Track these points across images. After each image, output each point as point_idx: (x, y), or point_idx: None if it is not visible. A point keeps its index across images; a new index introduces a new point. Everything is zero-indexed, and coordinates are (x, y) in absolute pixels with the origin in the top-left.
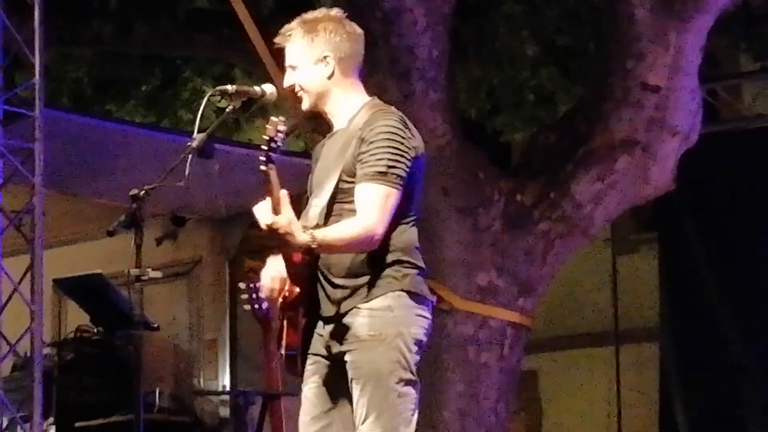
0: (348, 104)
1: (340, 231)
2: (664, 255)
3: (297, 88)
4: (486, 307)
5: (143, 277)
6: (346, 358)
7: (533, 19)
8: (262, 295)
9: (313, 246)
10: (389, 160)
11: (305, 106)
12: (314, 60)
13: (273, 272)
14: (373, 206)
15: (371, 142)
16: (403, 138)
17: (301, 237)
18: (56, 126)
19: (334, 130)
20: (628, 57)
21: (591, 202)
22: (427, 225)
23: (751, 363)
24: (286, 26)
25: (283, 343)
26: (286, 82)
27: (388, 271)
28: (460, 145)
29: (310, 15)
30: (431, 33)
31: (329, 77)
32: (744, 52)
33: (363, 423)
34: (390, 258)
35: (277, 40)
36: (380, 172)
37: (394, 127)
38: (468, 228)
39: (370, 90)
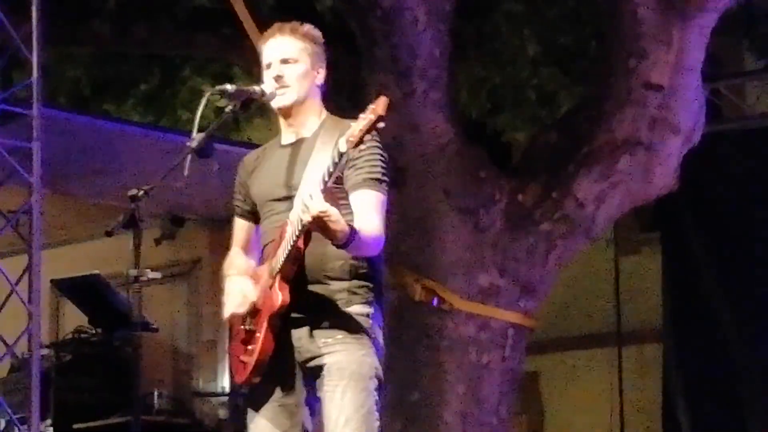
0: (317, 115)
1: (367, 230)
2: (667, 255)
3: (289, 80)
4: (487, 308)
5: (142, 278)
6: (326, 360)
7: (534, 18)
8: (240, 310)
9: (351, 237)
10: (382, 167)
11: (289, 98)
12: (311, 64)
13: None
14: (376, 212)
15: (362, 149)
16: (384, 150)
17: (344, 226)
18: (54, 125)
19: (287, 139)
20: (630, 56)
21: (593, 202)
22: (427, 225)
23: (754, 364)
24: (289, 24)
25: (258, 349)
26: (278, 72)
27: (363, 281)
28: (461, 145)
29: (309, 28)
30: (432, 32)
31: (318, 85)
32: (747, 51)
33: (345, 425)
34: (366, 267)
35: (276, 29)
36: (376, 179)
37: (377, 138)
38: (469, 228)
39: (372, 90)
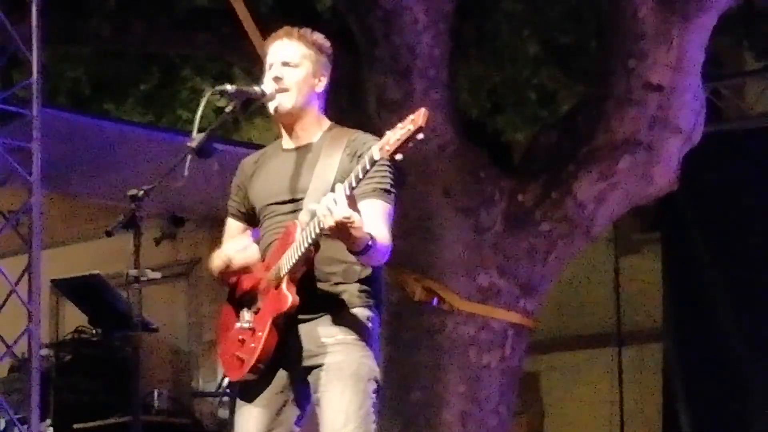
0: (319, 122)
1: (380, 238)
2: (667, 255)
3: (288, 83)
4: (487, 308)
5: (142, 278)
6: (325, 360)
7: (534, 17)
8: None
9: (370, 244)
10: (390, 179)
11: (289, 103)
12: (313, 71)
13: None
14: (385, 222)
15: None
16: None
17: (365, 234)
18: (54, 125)
19: (289, 144)
20: (630, 56)
21: (593, 202)
22: (427, 225)
23: (755, 363)
24: (293, 28)
25: (260, 347)
26: (277, 73)
27: (365, 285)
28: (461, 145)
29: (318, 37)
30: (432, 32)
31: (318, 93)
32: (747, 51)
33: (344, 426)
34: (367, 273)
35: (283, 32)
36: (386, 191)
37: None
38: (469, 228)
39: (372, 90)
